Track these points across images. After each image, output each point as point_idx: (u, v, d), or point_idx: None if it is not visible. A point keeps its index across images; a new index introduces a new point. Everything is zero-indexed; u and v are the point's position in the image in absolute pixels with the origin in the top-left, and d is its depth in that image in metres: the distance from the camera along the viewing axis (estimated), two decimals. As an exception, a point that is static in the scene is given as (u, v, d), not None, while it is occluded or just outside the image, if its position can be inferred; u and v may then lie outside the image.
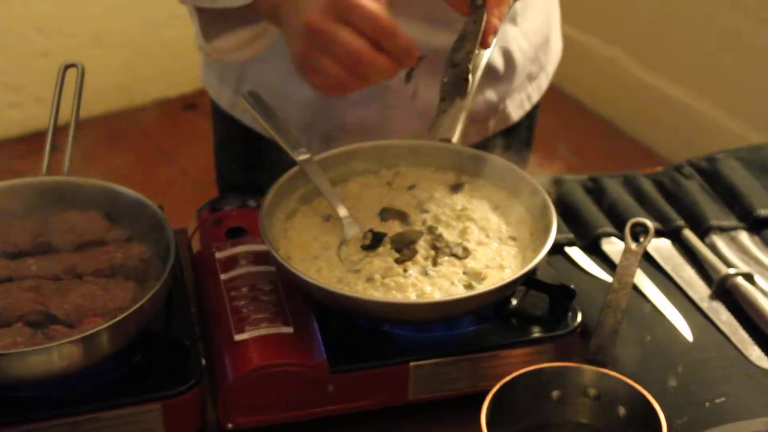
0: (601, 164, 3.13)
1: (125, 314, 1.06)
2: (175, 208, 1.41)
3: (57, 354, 1.04)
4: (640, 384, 1.05)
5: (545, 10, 1.56)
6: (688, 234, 1.39)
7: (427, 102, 1.33)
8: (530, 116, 1.61)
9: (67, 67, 1.30)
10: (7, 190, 1.24)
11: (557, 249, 1.35)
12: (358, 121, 1.46)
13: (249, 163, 1.59)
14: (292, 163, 1.26)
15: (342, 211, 1.23)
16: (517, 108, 1.56)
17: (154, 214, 1.20)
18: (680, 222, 1.40)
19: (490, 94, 1.50)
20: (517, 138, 1.58)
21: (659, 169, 1.56)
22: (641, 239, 1.19)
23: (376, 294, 1.14)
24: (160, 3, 3.35)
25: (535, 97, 1.59)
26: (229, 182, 1.66)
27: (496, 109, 1.53)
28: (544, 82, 1.60)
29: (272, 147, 1.27)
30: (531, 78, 1.56)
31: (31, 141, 3.17)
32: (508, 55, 1.49)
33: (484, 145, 1.53)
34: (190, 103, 3.42)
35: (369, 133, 1.36)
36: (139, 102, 3.33)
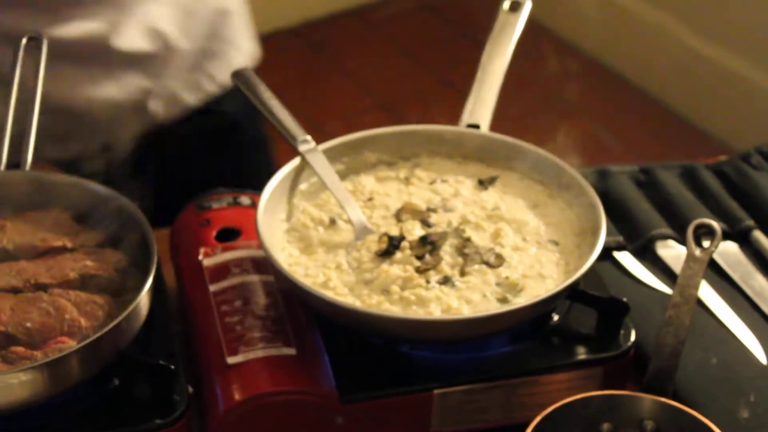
0: (651, 152, 3.13)
1: (99, 334, 1.06)
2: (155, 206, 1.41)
3: (17, 381, 1.03)
4: (705, 415, 1.04)
5: None
6: (759, 236, 1.38)
7: None
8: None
9: (29, 39, 1.30)
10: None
11: (605, 254, 1.34)
12: None
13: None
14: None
15: (353, 211, 1.23)
16: (192, 90, 1.60)
17: (131, 215, 1.20)
18: (749, 222, 1.40)
19: (139, 80, 1.53)
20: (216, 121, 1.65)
21: (722, 158, 1.55)
22: (705, 243, 1.17)
23: (393, 309, 1.14)
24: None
25: (222, 76, 1.62)
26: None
27: (156, 93, 1.56)
28: (236, 57, 1.64)
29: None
30: (211, 55, 1.60)
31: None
32: (157, 36, 1.52)
33: (157, 134, 1.60)
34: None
35: None
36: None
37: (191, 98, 1.61)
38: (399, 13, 3.63)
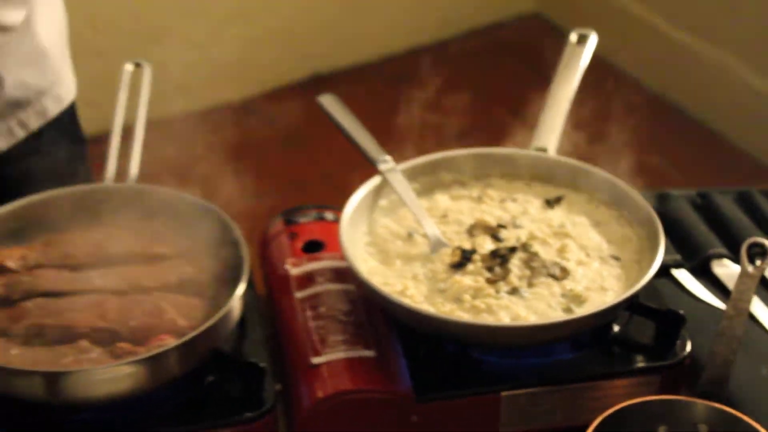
0: (708, 180, 3.10)
1: (195, 333, 1.10)
2: (238, 220, 1.44)
3: (123, 373, 1.07)
4: (756, 422, 1.05)
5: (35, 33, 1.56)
6: (811, 256, 1.38)
7: None
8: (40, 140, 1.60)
9: (135, 66, 1.35)
10: (69, 197, 1.29)
11: (663, 271, 1.35)
12: None
13: None
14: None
15: (428, 226, 1.25)
16: (2, 136, 1.55)
17: (225, 226, 1.24)
18: (801, 243, 1.39)
19: None
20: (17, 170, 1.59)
21: (776, 185, 1.55)
22: (758, 261, 1.18)
23: (465, 316, 1.16)
24: (224, 0, 3.41)
25: (35, 123, 1.58)
26: None
27: None
28: (51, 107, 1.60)
29: None
30: (18, 105, 1.55)
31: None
32: None
33: None
34: (252, 107, 3.47)
35: None
36: (199, 105, 3.38)
37: (1, 143, 1.56)
38: (471, 49, 3.64)
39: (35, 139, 1.58)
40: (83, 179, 1.61)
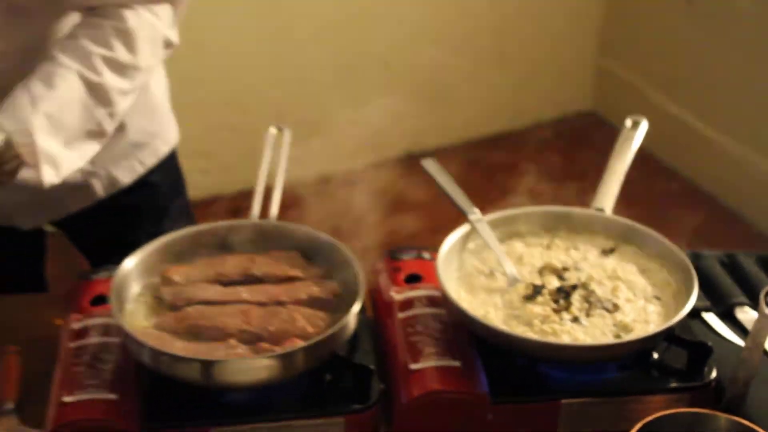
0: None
1: (319, 338, 1.17)
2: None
3: (262, 365, 1.16)
4: (769, 432, 1.09)
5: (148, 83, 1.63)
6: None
7: None
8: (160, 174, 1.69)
9: (278, 130, 1.44)
10: (224, 229, 1.37)
11: (695, 314, 1.39)
12: None
13: None
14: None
15: (508, 265, 1.32)
16: (127, 172, 1.64)
17: (345, 257, 1.31)
18: (812, 295, 1.43)
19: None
20: (143, 198, 1.67)
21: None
22: (774, 307, 1.23)
23: (534, 336, 1.22)
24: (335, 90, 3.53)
25: (150, 161, 1.66)
26: None
27: (97, 175, 1.61)
28: (161, 147, 1.68)
29: None
30: (138, 146, 1.64)
31: (213, 204, 3.32)
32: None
33: (97, 208, 1.63)
34: (353, 178, 3.55)
35: None
36: (307, 173, 3.48)
37: (126, 178, 1.65)
38: (536, 138, 3.69)
39: (146, 176, 1.68)
40: (180, 213, 1.74)
